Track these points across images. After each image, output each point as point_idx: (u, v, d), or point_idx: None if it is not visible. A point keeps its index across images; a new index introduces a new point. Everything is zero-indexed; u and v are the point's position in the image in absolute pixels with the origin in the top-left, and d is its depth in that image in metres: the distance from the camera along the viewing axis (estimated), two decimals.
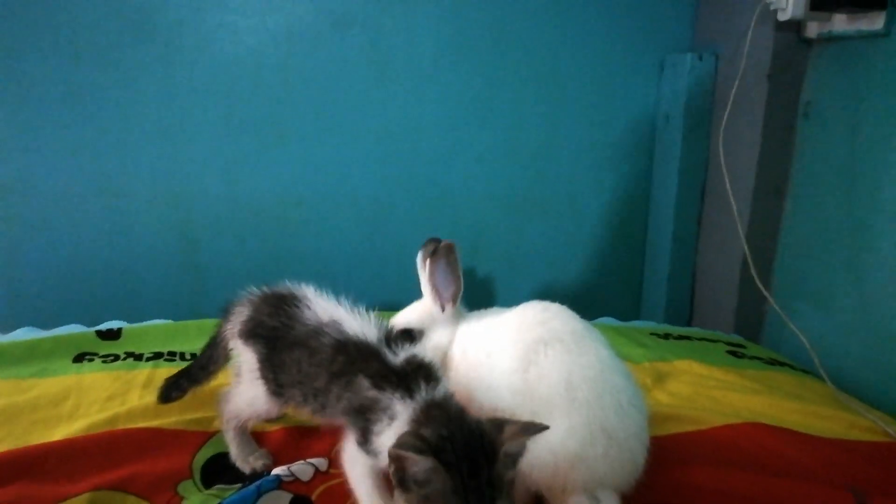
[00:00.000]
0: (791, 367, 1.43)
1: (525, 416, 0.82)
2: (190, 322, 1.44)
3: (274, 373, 0.88)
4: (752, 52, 1.57)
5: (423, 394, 0.76)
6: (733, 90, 1.60)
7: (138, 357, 1.27)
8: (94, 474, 0.91)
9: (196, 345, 1.33)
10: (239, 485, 0.91)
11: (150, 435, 1.00)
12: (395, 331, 0.89)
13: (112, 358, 1.26)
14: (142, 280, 1.78)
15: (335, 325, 0.84)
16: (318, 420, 0.91)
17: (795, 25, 1.53)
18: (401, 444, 0.68)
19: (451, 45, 1.79)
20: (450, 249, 1.05)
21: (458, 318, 1.07)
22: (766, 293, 1.50)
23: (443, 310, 1.06)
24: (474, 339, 1.01)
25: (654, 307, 1.95)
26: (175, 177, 1.75)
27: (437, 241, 1.08)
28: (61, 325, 1.47)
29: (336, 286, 1.54)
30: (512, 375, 0.89)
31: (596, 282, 2.00)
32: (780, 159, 1.62)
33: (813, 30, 1.50)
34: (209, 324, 1.45)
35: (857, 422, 1.16)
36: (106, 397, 1.12)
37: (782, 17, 1.45)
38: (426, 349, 0.87)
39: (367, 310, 0.88)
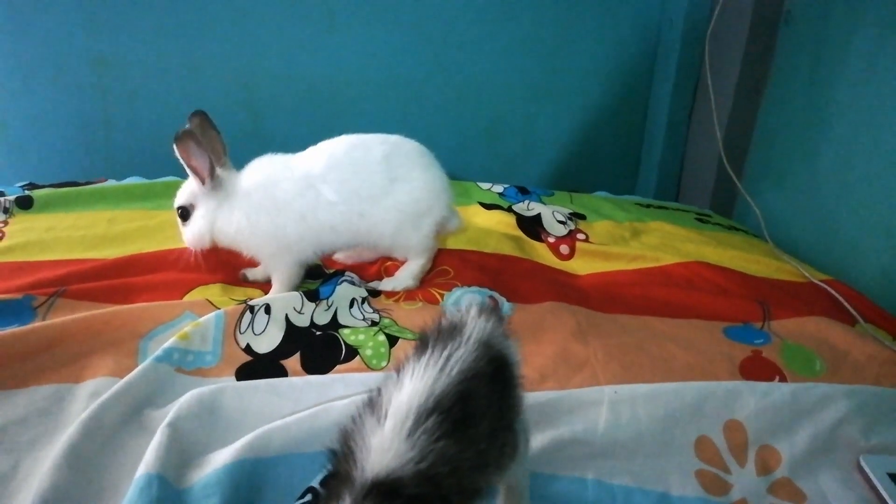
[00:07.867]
0: (745, 232, 1.76)
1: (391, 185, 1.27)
2: None
3: None
4: None
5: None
6: None
7: None
8: None
9: None
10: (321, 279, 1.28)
11: None
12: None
13: None
14: None
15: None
16: None
17: None
18: None
19: None
20: (196, 126, 1.17)
21: (227, 184, 1.19)
22: (732, 175, 1.81)
23: (203, 183, 1.16)
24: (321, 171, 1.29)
25: (646, 186, 2.27)
26: (243, 58, 2.04)
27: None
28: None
29: None
30: (384, 185, 1.30)
31: (598, 162, 2.31)
32: (762, 61, 1.88)
33: None
34: None
35: (784, 267, 1.49)
36: None
37: None
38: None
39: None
